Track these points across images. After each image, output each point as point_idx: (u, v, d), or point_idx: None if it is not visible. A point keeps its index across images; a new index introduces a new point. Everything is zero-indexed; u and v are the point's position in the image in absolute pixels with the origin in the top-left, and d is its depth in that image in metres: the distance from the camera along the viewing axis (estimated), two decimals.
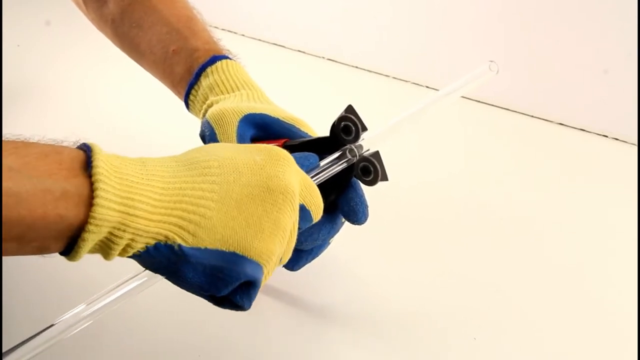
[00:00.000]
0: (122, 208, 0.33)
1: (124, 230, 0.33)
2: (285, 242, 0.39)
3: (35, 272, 0.58)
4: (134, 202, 0.33)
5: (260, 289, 0.40)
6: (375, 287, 0.59)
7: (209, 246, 0.36)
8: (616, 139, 0.85)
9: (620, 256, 0.64)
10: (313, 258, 0.51)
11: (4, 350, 0.35)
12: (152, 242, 0.35)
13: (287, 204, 0.38)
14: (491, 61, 0.52)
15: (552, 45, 0.87)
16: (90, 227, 0.32)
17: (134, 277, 0.39)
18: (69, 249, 0.33)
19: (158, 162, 0.37)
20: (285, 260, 0.42)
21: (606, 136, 0.86)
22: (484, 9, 0.90)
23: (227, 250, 0.36)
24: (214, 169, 0.37)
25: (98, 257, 0.36)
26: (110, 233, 0.33)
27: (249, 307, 0.39)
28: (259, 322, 0.55)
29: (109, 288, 0.38)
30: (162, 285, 0.39)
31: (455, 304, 0.58)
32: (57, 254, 0.34)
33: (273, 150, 0.40)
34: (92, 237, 0.33)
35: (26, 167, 0.31)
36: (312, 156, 0.45)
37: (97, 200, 0.32)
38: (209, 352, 0.52)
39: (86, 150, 0.34)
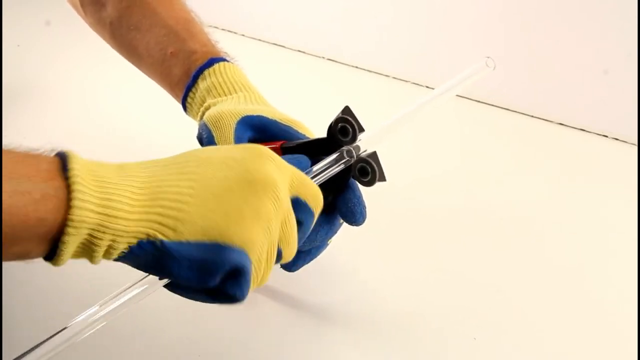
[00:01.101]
0: (100, 209, 0.33)
1: (104, 232, 0.34)
2: (271, 230, 0.39)
3: (36, 273, 0.58)
4: (112, 202, 0.34)
5: (259, 286, 0.40)
6: (374, 287, 0.59)
7: (191, 239, 0.36)
8: (616, 139, 0.85)
9: (620, 256, 0.64)
10: (311, 259, 0.51)
11: (13, 356, 0.35)
12: (135, 241, 0.35)
13: (268, 192, 0.38)
14: (487, 57, 0.52)
15: (552, 45, 0.87)
16: (69, 230, 0.32)
17: (142, 279, 0.39)
18: (52, 254, 0.33)
19: (135, 164, 0.37)
20: (288, 257, 0.42)
21: (606, 136, 0.86)
22: (484, 9, 0.90)
23: (208, 242, 0.36)
24: (191, 167, 0.37)
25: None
26: (91, 235, 0.33)
27: (243, 296, 0.39)
28: (258, 322, 0.55)
29: (117, 292, 0.38)
30: (161, 288, 0.39)
31: (455, 304, 0.58)
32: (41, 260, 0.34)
33: (253, 147, 0.40)
34: (72, 240, 0.33)
35: (5, 171, 0.31)
36: (303, 158, 0.45)
37: (74, 202, 0.32)
38: (209, 352, 0.52)
39: (62, 155, 0.34)
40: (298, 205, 0.41)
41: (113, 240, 0.34)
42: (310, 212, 0.42)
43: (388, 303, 0.57)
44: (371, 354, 0.52)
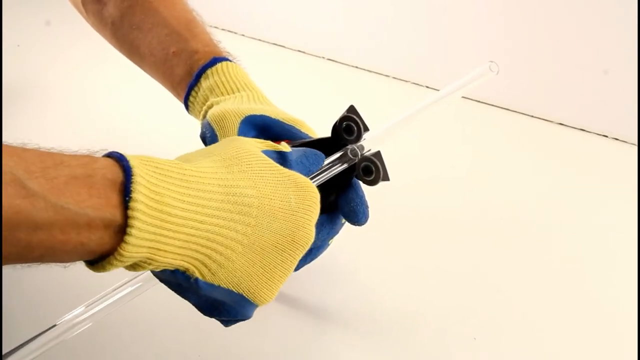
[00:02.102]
0: (153, 244, 0.32)
1: (149, 264, 0.34)
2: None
3: (36, 272, 0.58)
4: (167, 238, 0.33)
5: None
6: (374, 286, 0.59)
7: (223, 285, 0.37)
8: (616, 139, 0.85)
9: (620, 256, 0.64)
10: (312, 259, 0.51)
11: (4, 351, 0.35)
12: (172, 268, 0.35)
13: (302, 253, 0.40)
14: (491, 61, 0.52)
15: (552, 45, 0.87)
16: (115, 262, 0.32)
17: (134, 279, 0.39)
18: (93, 261, 0.33)
19: (202, 184, 0.35)
20: None
21: (606, 136, 0.86)
22: (484, 9, 0.90)
23: (236, 292, 0.38)
24: (253, 209, 0.37)
25: None
26: (136, 263, 0.33)
27: (228, 327, 0.42)
28: (258, 322, 0.55)
29: (110, 289, 0.38)
30: (162, 285, 0.39)
31: (455, 304, 0.58)
32: None
33: (307, 192, 0.40)
34: (115, 267, 0.32)
35: (52, 192, 0.29)
36: (319, 155, 0.45)
37: (128, 239, 0.31)
38: (209, 352, 0.52)
39: (123, 167, 0.32)
40: None
41: (154, 268, 0.34)
42: None
43: (388, 303, 0.57)
44: (371, 354, 0.52)
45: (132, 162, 0.32)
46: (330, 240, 0.51)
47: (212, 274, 0.36)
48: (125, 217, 0.31)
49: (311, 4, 1.06)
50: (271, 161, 0.40)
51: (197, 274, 0.36)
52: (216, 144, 0.41)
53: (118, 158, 0.32)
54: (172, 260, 0.34)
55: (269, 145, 0.42)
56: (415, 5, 0.96)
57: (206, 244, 0.35)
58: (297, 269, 0.50)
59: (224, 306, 0.39)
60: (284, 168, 0.40)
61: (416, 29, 0.97)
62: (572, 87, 0.87)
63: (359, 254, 0.62)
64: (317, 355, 0.53)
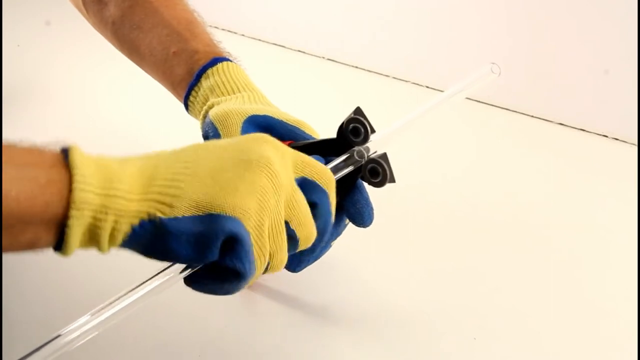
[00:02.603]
0: (101, 190, 0.34)
1: (106, 213, 0.34)
2: (269, 204, 0.39)
3: (38, 273, 0.58)
4: (112, 183, 0.35)
5: (275, 269, 0.40)
6: (375, 287, 0.59)
7: (186, 214, 0.37)
8: (616, 139, 0.85)
9: (620, 256, 0.64)
10: (315, 260, 0.50)
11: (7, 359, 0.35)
12: (137, 221, 0.36)
13: (263, 168, 0.39)
14: (493, 63, 0.52)
15: (552, 45, 0.87)
16: (73, 212, 0.33)
17: (138, 287, 0.39)
18: (60, 243, 0.34)
19: (135, 156, 0.38)
20: (306, 239, 0.42)
21: (606, 136, 0.86)
22: (484, 9, 0.90)
23: (202, 214, 0.37)
24: (187, 152, 0.39)
25: (100, 258, 0.36)
26: (94, 218, 0.34)
27: (244, 268, 0.38)
28: (259, 322, 0.55)
29: (116, 297, 0.38)
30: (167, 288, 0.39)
31: (456, 304, 0.58)
32: (51, 253, 0.35)
33: (252, 134, 0.41)
34: (76, 223, 0.33)
35: (12, 160, 0.32)
36: (317, 158, 0.45)
37: (75, 185, 0.33)
38: (209, 352, 0.52)
39: (63, 147, 0.35)
40: (307, 185, 0.41)
41: (116, 222, 0.35)
42: (322, 191, 0.42)
43: (389, 303, 0.57)
44: (371, 354, 0.52)
45: (69, 144, 0.36)
46: (333, 241, 0.51)
47: (170, 206, 0.36)
48: (70, 172, 0.34)
49: (311, 4, 1.06)
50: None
51: (158, 214, 0.36)
52: None
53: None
54: (126, 206, 0.35)
55: None
56: (415, 5, 0.96)
57: (151, 183, 0.36)
58: (299, 269, 0.50)
59: (204, 234, 0.37)
60: None
61: (416, 29, 0.97)
62: (572, 87, 0.87)
63: (359, 253, 0.62)
64: (317, 355, 0.53)
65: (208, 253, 0.37)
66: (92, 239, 0.35)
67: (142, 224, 0.36)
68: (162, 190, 0.36)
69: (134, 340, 0.53)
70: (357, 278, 0.60)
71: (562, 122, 0.89)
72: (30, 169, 0.33)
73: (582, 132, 0.87)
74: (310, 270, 0.53)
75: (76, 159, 0.34)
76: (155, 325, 0.54)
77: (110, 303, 0.38)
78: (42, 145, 0.36)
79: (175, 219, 0.36)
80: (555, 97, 0.89)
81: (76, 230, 0.34)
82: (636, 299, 0.58)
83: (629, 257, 0.63)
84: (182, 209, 0.36)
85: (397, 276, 0.61)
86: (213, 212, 0.37)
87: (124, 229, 0.35)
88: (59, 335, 0.36)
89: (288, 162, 0.41)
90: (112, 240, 0.36)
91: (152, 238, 0.36)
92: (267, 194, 0.39)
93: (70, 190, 0.33)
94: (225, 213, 0.37)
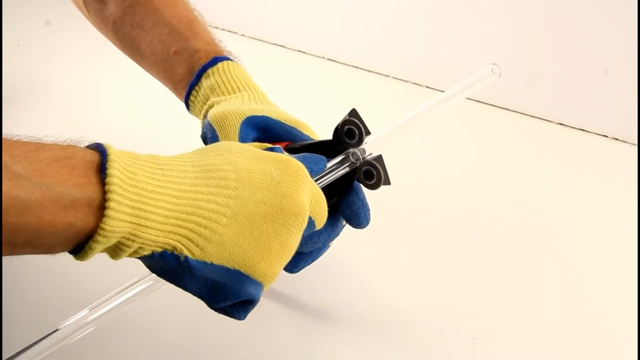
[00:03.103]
0: (134, 219, 0.33)
1: (133, 240, 0.33)
2: (288, 260, 0.39)
3: (39, 272, 0.58)
4: (146, 213, 0.33)
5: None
6: (374, 287, 0.59)
7: (215, 262, 0.36)
8: (616, 139, 0.85)
9: (620, 256, 0.64)
10: (312, 261, 0.50)
11: (7, 356, 0.35)
12: (159, 249, 0.35)
13: (298, 225, 0.39)
14: (494, 64, 0.52)
15: (553, 45, 0.87)
16: (99, 238, 0.32)
17: (137, 282, 0.39)
18: (77, 250, 0.33)
19: (175, 165, 0.36)
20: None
21: (606, 136, 0.86)
22: (484, 9, 0.90)
23: (232, 268, 0.37)
24: (230, 182, 0.37)
25: (101, 258, 0.36)
26: (119, 241, 0.33)
27: (244, 318, 0.40)
28: (259, 322, 0.55)
29: (112, 293, 0.38)
30: (163, 287, 0.39)
31: (456, 304, 0.58)
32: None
33: (290, 165, 0.39)
34: (100, 246, 0.33)
35: (36, 174, 0.30)
36: (321, 160, 0.45)
37: (108, 212, 0.32)
38: (210, 352, 0.52)
39: (100, 152, 0.33)
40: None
41: (140, 247, 0.34)
42: (312, 229, 0.43)
43: (389, 303, 0.57)
44: (371, 354, 0.52)
45: (107, 147, 0.33)
46: (330, 243, 0.51)
47: (201, 249, 0.35)
48: (104, 193, 0.32)
49: (311, 4, 1.06)
50: (254, 148, 0.40)
51: (185, 252, 0.35)
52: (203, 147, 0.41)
53: (95, 145, 0.34)
54: (154, 237, 0.34)
55: (259, 145, 0.42)
56: (415, 6, 0.96)
57: (187, 218, 0.35)
58: (297, 270, 0.50)
59: (225, 287, 0.37)
60: (268, 151, 0.40)
61: (416, 29, 0.97)
62: (572, 87, 0.87)
63: (357, 254, 0.62)
64: (317, 355, 0.53)
65: (220, 302, 0.38)
66: (111, 252, 0.34)
67: (164, 254, 0.35)
68: (197, 228, 0.35)
69: (134, 341, 0.53)
70: (354, 279, 0.60)
71: (562, 122, 0.89)
72: (55, 186, 0.30)
73: (582, 132, 0.87)
74: (310, 272, 0.53)
75: (113, 179, 0.32)
76: (156, 325, 0.54)
77: (109, 298, 0.38)
78: (73, 145, 0.34)
79: (203, 263, 0.36)
80: (555, 97, 0.89)
81: (98, 249, 0.33)
82: (636, 299, 0.58)
83: (629, 257, 0.63)
84: (213, 256, 0.36)
85: (395, 277, 0.61)
86: (243, 271, 0.37)
87: (145, 252, 0.35)
88: (56, 330, 0.36)
89: (309, 200, 0.41)
90: (128, 255, 0.35)
91: (170, 268, 0.36)
92: (291, 254, 0.39)
93: (101, 214, 0.32)
94: (254, 277, 0.37)
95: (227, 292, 0.37)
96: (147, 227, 0.33)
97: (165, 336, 0.53)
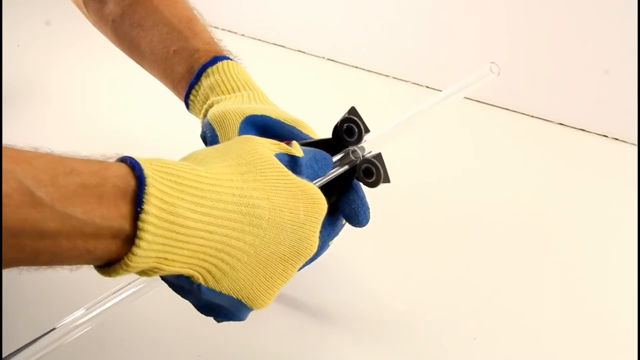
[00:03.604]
0: (161, 254, 0.32)
1: (156, 272, 0.34)
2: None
3: (36, 275, 0.58)
4: (175, 249, 0.33)
5: None
6: (374, 287, 0.59)
7: (224, 292, 0.37)
8: (616, 139, 0.85)
9: (620, 256, 0.64)
10: (312, 260, 0.50)
11: (5, 354, 0.35)
12: (177, 274, 0.35)
13: (303, 262, 0.40)
14: (492, 63, 0.52)
15: (553, 45, 0.87)
16: (121, 271, 0.32)
17: (134, 281, 0.39)
18: (101, 266, 0.33)
19: (215, 193, 0.35)
20: None
21: (606, 136, 0.86)
22: (484, 9, 0.90)
23: (235, 297, 0.38)
24: (263, 221, 0.37)
25: None
26: (141, 271, 0.33)
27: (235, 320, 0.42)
28: (258, 322, 0.55)
29: (110, 292, 0.39)
30: (163, 286, 0.39)
31: (456, 304, 0.58)
32: None
33: (316, 205, 0.40)
34: (122, 274, 0.33)
35: (60, 201, 0.29)
36: (329, 163, 0.45)
37: (136, 250, 0.31)
38: (210, 352, 0.52)
39: (137, 176, 0.31)
40: None
41: (160, 274, 0.34)
42: None
43: (388, 303, 0.57)
44: (371, 354, 0.52)
45: (146, 172, 0.32)
46: (330, 242, 0.51)
47: (216, 281, 0.36)
48: (135, 228, 0.31)
49: (311, 4, 1.06)
50: (284, 169, 0.40)
51: (201, 280, 0.36)
52: (230, 143, 0.41)
53: (132, 165, 0.32)
54: (179, 269, 0.34)
55: (282, 147, 0.42)
56: (415, 5, 0.96)
57: (214, 254, 0.35)
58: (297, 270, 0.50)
59: (221, 309, 0.39)
60: (296, 177, 0.40)
61: (416, 29, 0.97)
62: (572, 87, 0.87)
63: (357, 254, 0.62)
64: (316, 355, 0.53)
65: (210, 315, 0.41)
66: (128, 273, 0.34)
67: (180, 277, 0.36)
68: (219, 264, 0.36)
69: (134, 341, 0.53)
70: (354, 278, 0.60)
71: (562, 122, 0.89)
72: (79, 216, 0.29)
73: (582, 132, 0.87)
74: (310, 271, 0.53)
75: (149, 216, 0.31)
76: (156, 325, 0.54)
77: (107, 297, 0.38)
78: (106, 165, 0.31)
79: (213, 291, 0.37)
80: (555, 97, 0.89)
81: (117, 275, 0.32)
82: (636, 299, 0.58)
83: (629, 257, 0.63)
84: (224, 287, 0.37)
85: (395, 276, 0.61)
86: (244, 302, 0.39)
87: (160, 274, 0.35)
88: (53, 329, 0.37)
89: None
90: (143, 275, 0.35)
91: (180, 287, 0.38)
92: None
93: (127, 249, 0.31)
94: (251, 306, 0.39)
95: (222, 314, 0.40)
96: (173, 261, 0.33)
97: (165, 336, 0.53)
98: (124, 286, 0.39)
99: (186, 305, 0.41)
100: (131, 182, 0.31)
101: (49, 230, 0.29)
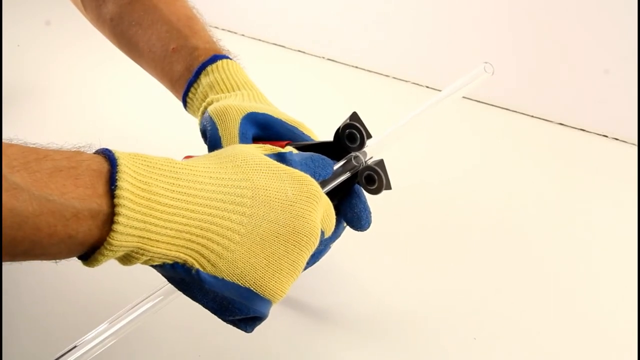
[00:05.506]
0: (144, 233, 0.32)
1: (142, 254, 0.33)
2: (297, 277, 0.40)
3: (38, 275, 0.58)
4: (157, 227, 0.32)
5: None
6: (375, 288, 0.59)
7: (226, 278, 0.36)
8: (616, 139, 0.85)
9: (620, 256, 0.64)
10: (313, 263, 0.50)
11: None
12: (170, 261, 0.35)
13: (309, 246, 0.39)
14: (486, 62, 0.51)
15: (553, 45, 0.87)
16: (105, 252, 0.32)
17: (154, 293, 0.40)
18: (85, 256, 0.33)
19: (191, 175, 0.35)
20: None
21: (606, 136, 0.86)
22: (484, 9, 0.90)
23: (242, 285, 0.37)
24: (246, 199, 0.37)
25: (114, 267, 0.36)
26: (128, 253, 0.33)
27: (250, 332, 0.41)
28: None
29: (126, 309, 0.39)
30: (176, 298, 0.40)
31: (456, 304, 0.58)
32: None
33: (306, 184, 0.40)
34: (107, 258, 0.32)
35: (35, 185, 0.29)
36: (329, 164, 0.45)
37: (116, 227, 0.31)
38: (210, 352, 0.52)
39: (109, 159, 0.32)
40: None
41: (150, 259, 0.34)
42: (321, 237, 0.43)
43: (388, 304, 0.57)
44: (371, 354, 0.52)
45: (118, 154, 0.32)
46: (332, 245, 0.51)
47: (212, 265, 0.36)
48: (112, 206, 0.31)
49: (311, 4, 1.06)
50: (269, 159, 0.40)
51: (197, 266, 0.35)
52: (214, 152, 0.41)
53: (103, 152, 0.33)
54: (165, 251, 0.34)
55: (269, 149, 0.42)
56: (415, 6, 0.96)
57: (200, 233, 0.35)
58: None
59: (234, 303, 0.38)
60: (283, 165, 0.40)
61: (416, 29, 0.97)
62: (572, 87, 0.87)
63: (357, 255, 0.62)
64: (317, 355, 0.53)
65: (228, 315, 0.39)
66: (121, 260, 0.34)
67: (175, 266, 0.35)
68: (209, 245, 0.35)
69: (135, 340, 0.53)
70: (354, 280, 0.60)
71: (562, 122, 0.89)
72: (55, 199, 0.29)
73: (582, 132, 0.87)
74: (311, 273, 0.53)
75: (123, 192, 0.31)
76: (156, 325, 0.54)
77: (124, 313, 0.38)
78: (79, 152, 0.32)
79: (214, 277, 0.36)
80: (555, 97, 0.89)
81: (105, 259, 0.32)
82: (636, 299, 0.58)
83: (629, 257, 0.63)
84: (225, 272, 0.36)
85: (396, 278, 0.61)
86: (253, 290, 0.37)
87: (155, 262, 0.34)
88: (75, 347, 0.37)
89: (322, 213, 0.41)
90: (138, 263, 0.34)
91: (180, 279, 0.36)
92: (302, 268, 0.40)
93: (108, 228, 0.31)
94: (263, 295, 0.38)
95: (236, 308, 0.38)
96: (157, 241, 0.33)
97: (165, 336, 0.53)
98: (144, 299, 0.39)
99: (186, 305, 0.40)
100: (104, 164, 0.32)
101: (27, 214, 0.29)
